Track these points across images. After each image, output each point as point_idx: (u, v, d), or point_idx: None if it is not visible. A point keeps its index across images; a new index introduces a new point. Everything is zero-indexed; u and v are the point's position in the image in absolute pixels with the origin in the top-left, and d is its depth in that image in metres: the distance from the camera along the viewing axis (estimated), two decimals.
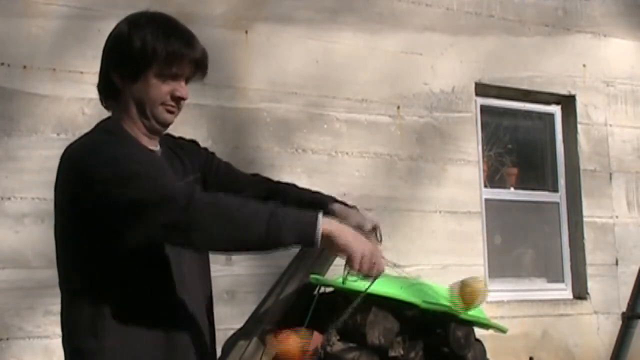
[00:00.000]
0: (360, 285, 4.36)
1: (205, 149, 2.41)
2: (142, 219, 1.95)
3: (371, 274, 2.11)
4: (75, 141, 2.15)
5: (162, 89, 2.12)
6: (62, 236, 2.13)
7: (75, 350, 2.07)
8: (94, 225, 2.03)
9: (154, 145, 2.20)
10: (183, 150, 2.32)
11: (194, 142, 2.40)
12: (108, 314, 2.03)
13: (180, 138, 2.37)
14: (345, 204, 2.40)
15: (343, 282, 2.48)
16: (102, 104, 2.23)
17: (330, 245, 2.04)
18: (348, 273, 2.10)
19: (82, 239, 2.06)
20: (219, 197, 1.99)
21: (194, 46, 2.17)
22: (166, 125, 2.18)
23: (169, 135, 2.29)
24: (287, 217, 1.97)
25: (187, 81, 2.17)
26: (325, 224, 1.99)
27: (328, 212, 2.26)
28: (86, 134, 2.17)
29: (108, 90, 2.18)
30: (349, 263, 2.11)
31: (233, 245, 2.00)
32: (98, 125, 2.19)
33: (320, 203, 2.37)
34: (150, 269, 2.08)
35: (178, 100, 2.15)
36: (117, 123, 2.16)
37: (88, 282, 2.06)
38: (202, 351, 2.17)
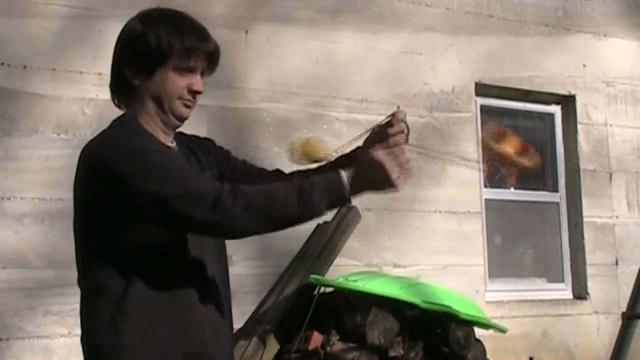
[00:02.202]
0: (361, 285, 4.36)
1: (221, 147, 2.42)
2: (173, 217, 1.98)
3: (407, 177, 2.12)
4: (94, 139, 2.15)
5: (178, 83, 2.13)
6: (82, 233, 2.12)
7: (95, 347, 2.06)
8: (118, 221, 2.03)
9: (170, 142, 2.20)
10: (198, 147, 2.32)
11: (209, 140, 2.41)
12: (129, 310, 2.02)
13: (194, 136, 2.37)
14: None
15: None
16: (114, 102, 2.23)
17: (363, 192, 2.09)
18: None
19: (104, 236, 2.05)
20: (247, 191, 2.00)
21: (208, 39, 2.18)
22: (183, 119, 2.18)
23: (182, 133, 2.29)
24: (314, 189, 2.01)
25: (201, 75, 2.18)
26: (349, 179, 2.04)
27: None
28: (104, 132, 2.16)
29: (122, 88, 2.18)
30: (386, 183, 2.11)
31: (270, 230, 2.03)
32: (114, 122, 2.19)
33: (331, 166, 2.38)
34: (171, 265, 2.07)
35: (195, 94, 2.16)
36: (134, 119, 2.16)
37: (108, 279, 2.05)
38: (222, 343, 2.16)
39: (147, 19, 2.16)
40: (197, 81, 2.15)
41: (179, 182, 1.99)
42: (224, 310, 2.19)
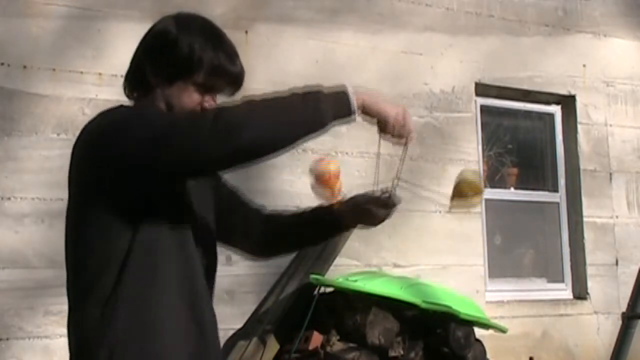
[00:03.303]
0: (361, 285, 4.37)
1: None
2: (174, 155, 1.89)
3: (403, 135, 2.17)
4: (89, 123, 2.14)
5: (194, 98, 2.09)
6: (78, 219, 2.04)
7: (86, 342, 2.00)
8: (118, 189, 1.96)
9: None
10: None
11: None
12: (123, 312, 1.97)
13: None
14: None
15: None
16: (125, 91, 2.19)
17: (365, 109, 2.05)
18: (384, 139, 2.17)
19: (102, 218, 1.98)
20: (247, 98, 1.95)
21: (237, 63, 2.15)
22: None
23: None
24: (319, 93, 1.97)
25: (218, 95, 2.15)
26: (355, 91, 2.02)
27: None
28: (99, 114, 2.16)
29: (139, 84, 2.14)
30: (382, 127, 2.13)
31: (281, 132, 1.92)
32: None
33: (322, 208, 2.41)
34: (170, 262, 2.03)
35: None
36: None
37: (103, 273, 1.98)
38: (216, 343, 2.13)
39: (185, 27, 2.13)
40: (211, 100, 2.11)
41: (177, 117, 1.96)
42: (212, 308, 2.15)
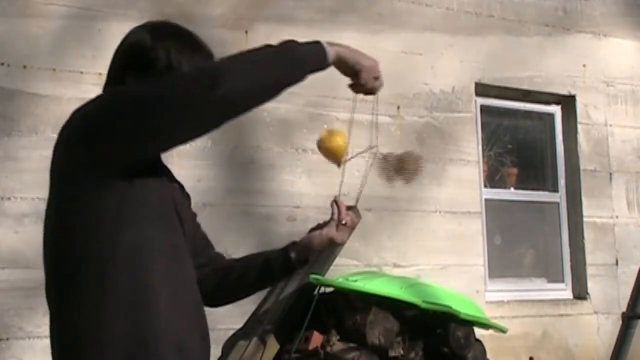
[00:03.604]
0: (361, 285, 4.36)
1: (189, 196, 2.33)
2: (159, 109, 1.89)
3: (376, 88, 2.27)
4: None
5: None
6: (59, 211, 2.04)
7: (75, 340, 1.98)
8: (105, 172, 1.95)
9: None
10: (182, 189, 2.25)
11: (188, 194, 2.32)
12: (111, 301, 1.93)
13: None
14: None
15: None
16: None
17: (340, 61, 2.14)
18: (354, 93, 2.28)
19: (87, 212, 1.97)
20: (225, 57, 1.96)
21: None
22: None
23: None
24: (295, 43, 2.01)
25: None
26: (330, 42, 2.08)
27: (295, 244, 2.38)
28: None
29: None
30: (356, 78, 2.21)
31: (260, 80, 1.95)
32: None
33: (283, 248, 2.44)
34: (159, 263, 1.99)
35: None
36: None
37: (87, 270, 1.95)
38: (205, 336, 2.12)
39: (157, 33, 2.13)
40: None
41: (151, 87, 1.96)
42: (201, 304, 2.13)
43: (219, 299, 2.39)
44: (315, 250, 2.36)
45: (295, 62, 2.01)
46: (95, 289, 1.94)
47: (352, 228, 2.35)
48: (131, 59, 2.12)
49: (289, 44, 2.00)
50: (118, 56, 2.17)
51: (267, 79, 1.96)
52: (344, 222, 2.32)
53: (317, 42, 2.04)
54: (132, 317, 1.92)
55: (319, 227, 2.34)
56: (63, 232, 2.02)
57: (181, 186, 2.23)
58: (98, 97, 2.07)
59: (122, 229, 1.95)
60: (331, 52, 2.05)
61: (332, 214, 2.31)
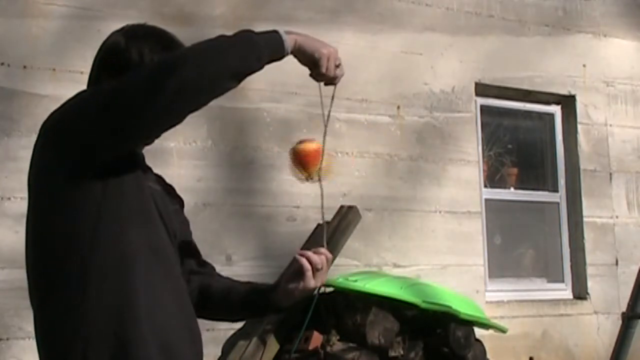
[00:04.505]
0: (361, 285, 4.37)
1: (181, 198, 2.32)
2: (126, 108, 1.90)
3: (337, 75, 2.21)
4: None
5: None
6: (39, 212, 2.01)
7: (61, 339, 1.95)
8: (80, 168, 1.95)
9: (143, 167, 2.14)
10: (175, 194, 2.24)
11: (181, 198, 2.31)
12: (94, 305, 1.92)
13: (171, 186, 2.29)
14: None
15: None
16: None
17: (299, 50, 2.08)
18: (317, 81, 2.20)
19: (66, 210, 1.96)
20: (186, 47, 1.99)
21: None
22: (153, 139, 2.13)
23: (159, 177, 2.23)
24: (252, 32, 2.00)
25: None
26: (288, 31, 2.04)
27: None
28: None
29: None
30: (316, 66, 2.14)
31: (218, 68, 1.95)
32: None
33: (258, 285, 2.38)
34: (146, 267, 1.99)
35: None
36: None
37: (69, 266, 1.94)
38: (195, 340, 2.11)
39: (132, 35, 2.14)
40: None
41: (117, 84, 1.96)
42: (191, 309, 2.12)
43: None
44: (297, 299, 2.31)
45: (251, 50, 2.00)
46: (77, 290, 1.93)
47: (331, 261, 2.31)
48: (106, 60, 2.15)
49: (245, 34, 2.00)
50: (96, 59, 2.19)
51: (222, 67, 1.95)
52: (319, 267, 2.27)
53: (275, 31, 2.03)
54: (116, 318, 1.93)
55: (293, 269, 2.28)
56: (43, 233, 2.01)
57: (170, 187, 2.23)
58: (73, 97, 2.07)
59: (102, 228, 1.95)
60: (289, 41, 2.03)
61: (304, 268, 2.23)
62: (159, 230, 2.05)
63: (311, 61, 2.13)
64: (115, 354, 1.91)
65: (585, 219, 6.43)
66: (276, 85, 5.25)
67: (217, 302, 2.28)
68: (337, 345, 4.32)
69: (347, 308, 4.42)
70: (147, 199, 2.05)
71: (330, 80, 2.22)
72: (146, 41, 2.13)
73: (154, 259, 2.01)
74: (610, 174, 6.59)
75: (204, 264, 2.32)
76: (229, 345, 4.25)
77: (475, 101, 6.11)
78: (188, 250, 2.25)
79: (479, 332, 4.89)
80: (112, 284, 1.94)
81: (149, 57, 2.09)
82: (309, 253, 2.22)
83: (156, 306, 1.98)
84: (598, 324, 6.32)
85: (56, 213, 1.98)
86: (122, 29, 2.18)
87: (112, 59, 2.13)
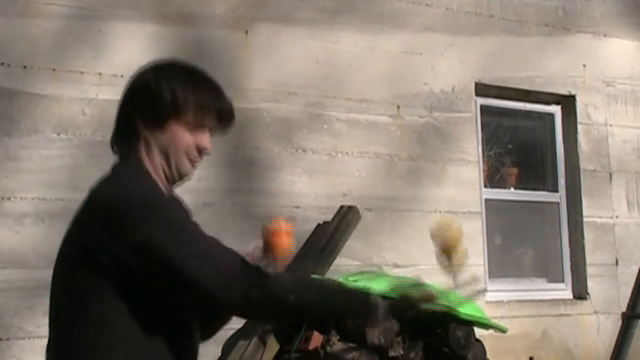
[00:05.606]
0: (361, 285, 4.37)
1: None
2: (198, 295, 1.97)
3: None
4: (103, 185, 2.08)
5: (188, 140, 2.10)
6: (75, 279, 2.08)
7: None
8: (129, 285, 1.98)
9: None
10: (186, 207, 2.26)
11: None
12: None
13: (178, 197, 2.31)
14: None
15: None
16: (112, 149, 2.16)
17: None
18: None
19: (102, 299, 2.02)
20: (276, 284, 2.05)
21: (222, 98, 2.16)
22: (185, 176, 2.15)
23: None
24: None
25: (211, 132, 2.16)
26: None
27: None
28: (113, 178, 2.09)
29: (128, 136, 2.12)
30: None
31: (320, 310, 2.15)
32: (121, 168, 2.12)
33: None
34: (167, 326, 2.04)
35: (202, 151, 2.14)
36: (146, 171, 2.10)
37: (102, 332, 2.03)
38: None
39: (162, 72, 2.14)
40: (206, 139, 2.14)
41: (211, 264, 1.97)
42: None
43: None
44: None
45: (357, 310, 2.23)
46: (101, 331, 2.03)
47: None
48: (137, 100, 2.12)
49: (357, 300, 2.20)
50: (124, 98, 2.15)
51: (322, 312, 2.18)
52: None
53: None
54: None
55: None
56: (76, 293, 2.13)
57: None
58: (123, 190, 2.03)
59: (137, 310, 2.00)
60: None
61: None
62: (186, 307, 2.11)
63: None
64: None
65: (585, 219, 6.43)
66: (276, 85, 5.25)
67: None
68: (337, 345, 4.32)
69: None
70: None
71: None
72: (177, 78, 2.12)
73: (180, 336, 2.08)
74: (610, 174, 6.59)
75: None
76: (229, 345, 4.25)
77: (475, 101, 6.11)
78: None
79: (479, 332, 4.89)
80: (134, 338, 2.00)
81: (181, 95, 2.08)
82: None
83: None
84: (598, 324, 6.32)
85: (91, 294, 2.07)
86: (151, 65, 2.16)
87: (143, 98, 2.11)
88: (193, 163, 2.14)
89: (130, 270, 1.95)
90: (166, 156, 2.10)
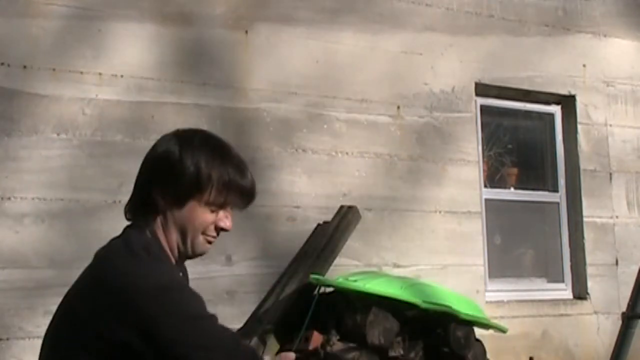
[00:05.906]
0: (361, 285, 4.37)
1: None
2: None
3: None
4: (116, 259, 2.00)
5: (207, 218, 2.05)
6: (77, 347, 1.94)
7: None
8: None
9: (179, 272, 2.11)
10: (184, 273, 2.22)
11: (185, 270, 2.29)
12: None
13: None
14: None
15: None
16: (126, 215, 2.10)
17: None
18: None
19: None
20: None
21: (247, 176, 2.10)
22: (199, 256, 2.10)
23: None
24: None
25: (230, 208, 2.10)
26: None
27: None
28: (127, 253, 2.00)
29: (145, 207, 2.06)
30: None
31: None
32: (136, 239, 2.04)
33: None
34: None
35: (221, 230, 2.09)
36: (161, 248, 2.05)
37: None
38: None
39: (187, 144, 2.05)
40: (226, 218, 2.08)
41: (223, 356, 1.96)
42: None
43: None
44: None
45: None
46: None
47: None
48: (159, 169, 2.05)
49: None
50: (145, 166, 2.09)
51: None
52: None
53: None
54: None
55: None
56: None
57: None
58: (162, 287, 1.95)
59: None
60: None
61: None
62: None
63: None
64: None
65: (585, 219, 6.43)
66: (276, 85, 5.25)
67: None
68: (337, 345, 4.32)
69: (347, 308, 4.42)
70: None
71: None
72: (202, 151, 2.05)
73: None
74: (610, 174, 6.59)
75: None
76: None
77: (475, 101, 6.11)
78: None
79: (479, 332, 4.90)
80: None
81: (205, 170, 2.02)
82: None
83: None
84: (598, 324, 6.32)
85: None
86: (175, 135, 2.10)
87: (166, 168, 2.03)
88: (210, 242, 2.08)
89: (134, 357, 1.89)
90: (183, 233, 2.04)
